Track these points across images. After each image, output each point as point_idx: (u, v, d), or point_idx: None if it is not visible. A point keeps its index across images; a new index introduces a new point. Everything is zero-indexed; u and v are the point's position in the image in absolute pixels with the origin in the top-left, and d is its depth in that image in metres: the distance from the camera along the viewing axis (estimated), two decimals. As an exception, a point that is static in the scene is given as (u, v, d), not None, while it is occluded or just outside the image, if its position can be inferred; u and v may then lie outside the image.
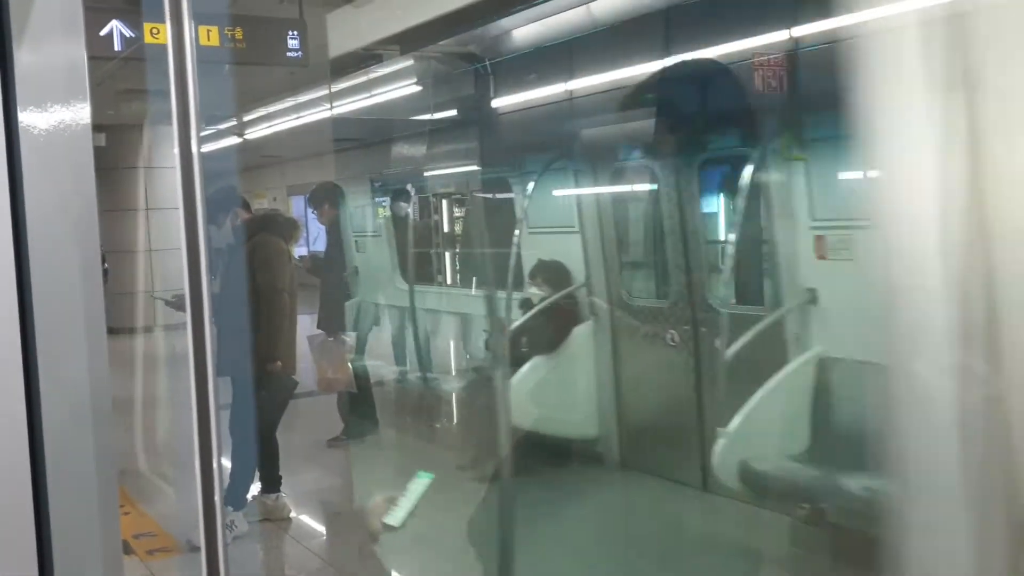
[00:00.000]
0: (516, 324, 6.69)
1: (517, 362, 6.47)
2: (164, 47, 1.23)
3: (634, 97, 5.98)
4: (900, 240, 1.53)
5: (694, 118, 6.01)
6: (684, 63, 5.66)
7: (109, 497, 1.45)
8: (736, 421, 5.04)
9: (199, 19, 1.24)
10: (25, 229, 1.34)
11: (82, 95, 1.37)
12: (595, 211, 6.77)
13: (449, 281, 10.59)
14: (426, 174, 9.46)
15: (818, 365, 5.21)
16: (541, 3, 6.29)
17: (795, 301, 5.35)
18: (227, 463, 5.55)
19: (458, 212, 11.37)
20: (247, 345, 5.43)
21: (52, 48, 1.35)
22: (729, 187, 6.18)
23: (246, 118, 13.78)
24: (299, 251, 10.82)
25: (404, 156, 9.32)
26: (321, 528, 6.19)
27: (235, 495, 5.65)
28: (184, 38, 1.23)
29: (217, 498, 1.29)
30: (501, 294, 7.18)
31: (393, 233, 9.68)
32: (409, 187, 9.61)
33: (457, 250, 10.96)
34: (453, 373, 9.08)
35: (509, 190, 7.69)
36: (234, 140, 14.29)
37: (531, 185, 7.03)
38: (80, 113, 1.37)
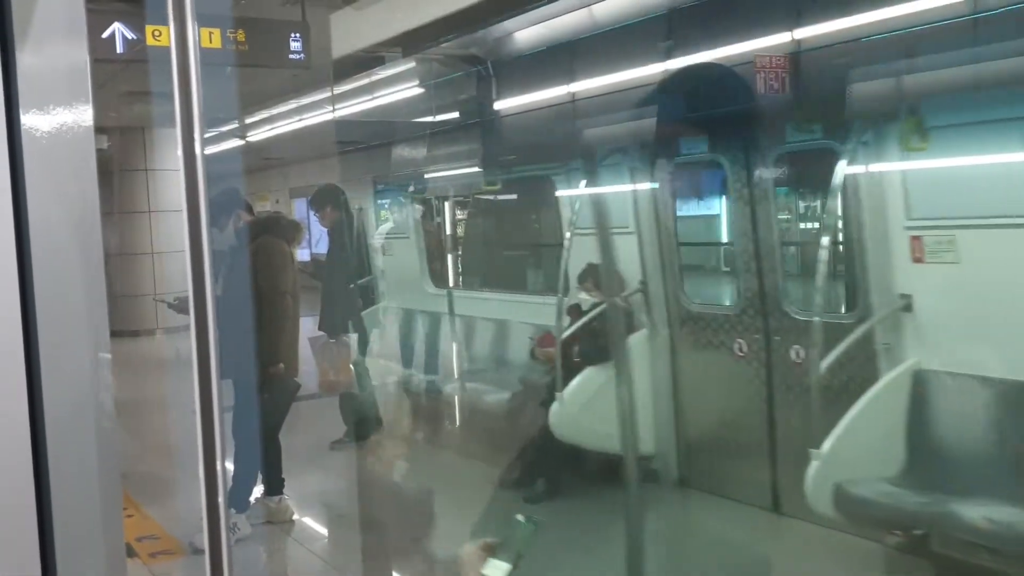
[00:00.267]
0: (567, 332, 6.22)
1: (568, 373, 6.09)
2: (167, 49, 1.23)
3: (704, 85, 5.57)
4: None
5: (771, 108, 5.46)
6: (762, 47, 5.18)
7: (112, 500, 1.45)
8: (830, 441, 4.59)
9: (201, 21, 1.24)
10: (27, 231, 1.33)
11: (84, 97, 1.37)
12: (653, 210, 6.32)
13: (485, 285, 9.95)
14: (458, 173, 8.97)
15: (914, 378, 4.77)
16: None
17: (886, 308, 4.91)
18: (230, 466, 5.54)
19: (493, 214, 10.80)
20: (250, 348, 5.43)
21: (54, 50, 1.35)
22: (808, 184, 5.84)
23: (249, 120, 13.80)
24: (302, 254, 10.71)
25: (435, 156, 8.95)
26: (324, 530, 6.19)
27: (238, 498, 5.65)
28: (187, 40, 1.22)
29: (221, 501, 1.29)
30: (547, 299, 6.80)
31: (423, 236, 9.20)
32: (443, 188, 9.17)
33: (494, 253, 10.47)
34: (492, 383, 8.15)
35: (554, 189, 7.30)
36: (237, 142, 14.31)
37: (582, 183, 6.59)
38: (83, 115, 1.37)
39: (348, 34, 7.61)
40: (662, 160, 6.26)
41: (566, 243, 6.43)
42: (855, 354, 4.93)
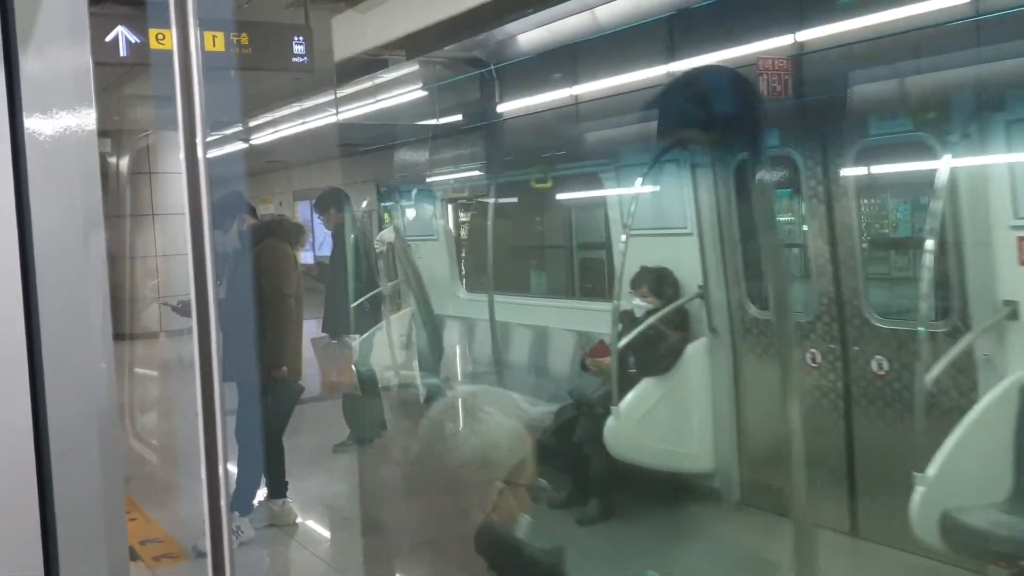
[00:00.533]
0: (622, 342, 5.75)
1: (623, 385, 5.69)
2: (169, 53, 1.23)
3: (784, 74, 5.20)
4: None
5: (855, 97, 5.03)
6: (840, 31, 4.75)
7: (115, 503, 1.45)
8: (935, 465, 4.18)
9: (205, 25, 1.24)
10: (31, 235, 1.34)
11: (88, 101, 1.37)
12: (715, 209, 5.88)
13: (524, 290, 9.35)
14: (489, 173, 8.60)
15: (1021, 393, 4.37)
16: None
17: (988, 316, 4.53)
18: (233, 469, 5.54)
19: (534, 213, 10.00)
20: (253, 350, 5.43)
21: (58, 54, 1.35)
22: (893, 180, 5.32)
23: (253, 123, 13.83)
24: (305, 256, 10.64)
25: (468, 154, 8.64)
26: (327, 534, 6.18)
27: (241, 501, 5.65)
28: (189, 44, 1.22)
29: (224, 504, 1.28)
30: (597, 305, 6.39)
31: (454, 239, 8.79)
32: (479, 189, 8.74)
33: (534, 256, 9.85)
34: (534, 395, 7.46)
35: (600, 187, 6.84)
36: (241, 145, 14.34)
37: (638, 180, 6.08)
38: (86, 119, 1.37)
39: (351, 36, 7.61)
40: (727, 155, 5.80)
41: (621, 245, 6.00)
42: (951, 366, 4.55)
